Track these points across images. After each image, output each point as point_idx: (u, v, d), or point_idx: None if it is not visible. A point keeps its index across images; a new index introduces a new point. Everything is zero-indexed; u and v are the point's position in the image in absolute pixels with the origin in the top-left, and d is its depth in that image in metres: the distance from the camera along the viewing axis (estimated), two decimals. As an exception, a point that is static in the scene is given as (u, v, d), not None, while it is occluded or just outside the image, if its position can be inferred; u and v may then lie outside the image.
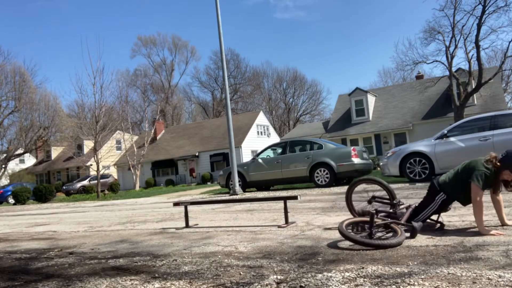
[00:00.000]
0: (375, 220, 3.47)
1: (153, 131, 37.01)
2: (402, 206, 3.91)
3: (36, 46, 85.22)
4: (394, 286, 2.17)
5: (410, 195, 6.71)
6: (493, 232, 3.27)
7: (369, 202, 4.04)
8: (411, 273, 2.38)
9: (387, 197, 4.16)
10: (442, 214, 3.83)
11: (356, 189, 4.59)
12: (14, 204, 22.73)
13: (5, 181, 37.25)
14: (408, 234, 3.44)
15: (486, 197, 3.59)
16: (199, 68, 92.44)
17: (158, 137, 37.32)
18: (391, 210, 3.87)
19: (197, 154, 31.80)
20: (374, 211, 3.51)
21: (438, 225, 3.84)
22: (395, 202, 3.92)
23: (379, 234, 3.50)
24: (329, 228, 4.27)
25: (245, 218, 5.82)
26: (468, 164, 3.55)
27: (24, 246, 4.95)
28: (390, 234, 3.44)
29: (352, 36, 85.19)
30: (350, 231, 3.50)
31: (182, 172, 32.86)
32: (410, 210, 3.73)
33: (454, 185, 3.61)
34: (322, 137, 26.55)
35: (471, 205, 3.47)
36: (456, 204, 4.04)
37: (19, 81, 34.72)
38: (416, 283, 2.19)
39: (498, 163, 3.39)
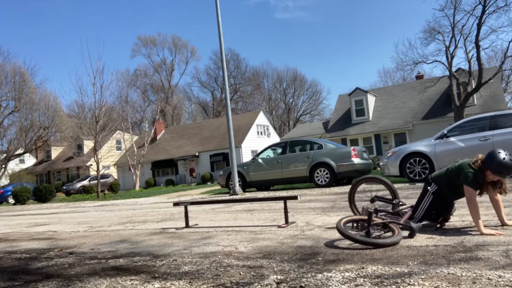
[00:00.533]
0: (374, 219, 3.47)
1: (153, 131, 37.00)
2: (403, 207, 3.91)
3: (36, 46, 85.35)
4: (394, 286, 2.17)
5: (410, 195, 6.70)
6: (492, 232, 3.27)
7: (372, 201, 4.06)
8: (411, 273, 2.38)
9: (390, 196, 4.17)
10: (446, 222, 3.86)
11: (359, 188, 4.59)
12: (14, 204, 22.73)
13: (5, 181, 37.25)
14: (406, 234, 3.45)
15: (486, 197, 3.60)
16: (199, 68, 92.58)
17: (158, 137, 37.32)
18: (391, 210, 3.88)
19: (197, 154, 31.80)
20: (373, 210, 3.52)
21: (438, 225, 3.84)
22: (394, 202, 3.93)
23: (377, 233, 3.50)
24: (329, 228, 4.27)
25: (245, 218, 5.82)
26: (459, 165, 3.59)
27: (24, 246, 4.95)
28: (389, 234, 3.44)
29: (352, 36, 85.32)
30: (349, 229, 3.51)
31: (182, 172, 32.86)
32: (410, 211, 3.74)
33: (444, 179, 3.68)
34: (322, 137, 26.55)
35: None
36: (456, 204, 4.04)
37: (19, 81, 34.72)
38: (416, 283, 2.19)
39: (481, 164, 3.44)
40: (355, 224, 3.58)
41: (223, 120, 33.29)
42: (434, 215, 3.78)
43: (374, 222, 3.46)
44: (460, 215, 4.29)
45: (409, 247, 3.09)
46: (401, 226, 3.52)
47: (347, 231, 3.32)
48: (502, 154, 3.30)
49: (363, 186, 4.73)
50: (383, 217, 3.72)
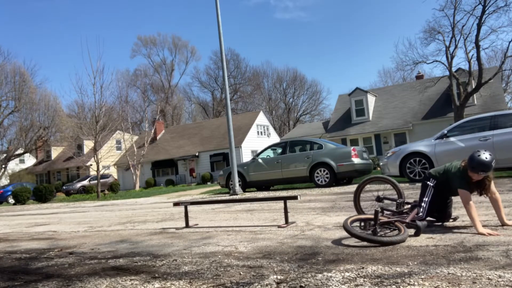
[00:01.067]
0: (381, 218, 3.50)
1: (153, 131, 37.00)
2: (408, 206, 3.94)
3: (36, 46, 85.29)
4: (394, 286, 2.17)
5: (410, 195, 6.70)
6: (491, 232, 3.28)
7: (377, 200, 4.09)
8: (411, 273, 2.38)
9: (395, 196, 4.20)
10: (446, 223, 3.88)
11: (364, 188, 4.60)
12: (14, 204, 22.73)
13: (5, 181, 37.24)
14: (412, 232, 3.48)
15: (487, 197, 3.61)
16: (199, 68, 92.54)
17: (158, 137, 37.31)
18: (395, 209, 3.91)
19: (197, 154, 31.80)
20: (379, 209, 3.55)
21: (440, 223, 3.87)
22: (399, 201, 3.96)
23: (383, 232, 3.53)
24: (329, 228, 4.27)
25: (245, 218, 5.82)
26: (452, 169, 3.67)
27: (24, 246, 4.95)
28: (395, 232, 3.47)
29: (352, 36, 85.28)
30: (356, 228, 3.52)
31: (182, 172, 32.85)
32: (415, 209, 3.76)
33: (441, 178, 3.74)
34: (322, 137, 26.55)
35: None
36: (455, 204, 4.05)
37: (19, 81, 34.71)
38: (416, 283, 2.19)
39: (465, 165, 3.53)
40: (362, 223, 3.60)
41: (223, 120, 33.28)
42: (437, 212, 3.82)
43: (381, 221, 3.49)
44: (460, 215, 4.29)
45: (409, 247, 3.09)
46: (406, 224, 3.54)
47: (355, 230, 3.36)
48: (479, 153, 3.42)
49: (370, 185, 4.73)
50: (389, 216, 3.75)
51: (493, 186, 3.54)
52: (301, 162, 11.83)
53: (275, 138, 34.92)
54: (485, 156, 3.38)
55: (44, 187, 22.74)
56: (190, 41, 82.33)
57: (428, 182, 3.80)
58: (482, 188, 3.52)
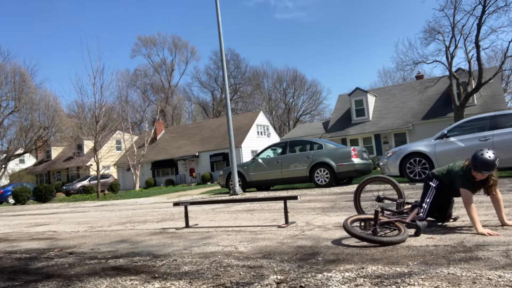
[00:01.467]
0: (381, 218, 3.50)
1: (153, 131, 37.00)
2: (408, 206, 3.94)
3: (36, 46, 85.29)
4: (394, 286, 2.17)
5: (410, 195, 6.70)
6: (490, 232, 3.28)
7: (377, 200, 4.09)
8: (411, 273, 2.38)
9: (396, 196, 4.20)
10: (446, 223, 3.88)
11: (365, 188, 4.60)
12: (14, 204, 22.72)
13: (5, 181, 37.25)
14: (412, 232, 3.48)
15: (487, 197, 3.61)
16: (199, 68, 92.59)
17: (158, 137, 37.32)
18: (396, 209, 3.91)
19: (197, 154, 31.80)
20: (380, 209, 3.55)
21: (440, 223, 3.87)
22: (399, 201, 3.96)
23: (383, 232, 3.53)
24: (329, 228, 4.27)
25: (245, 218, 5.82)
26: (456, 168, 3.67)
27: (24, 246, 4.95)
28: (395, 232, 3.47)
29: (352, 36, 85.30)
30: (356, 227, 3.53)
31: (182, 172, 32.85)
32: (415, 209, 3.77)
33: (445, 178, 3.73)
34: (322, 137, 26.55)
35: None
36: (455, 204, 4.05)
37: (19, 81, 34.75)
38: (416, 283, 2.19)
39: (468, 165, 3.52)
40: (362, 223, 3.60)
41: (223, 120, 33.29)
42: (437, 212, 3.82)
43: (381, 221, 3.48)
44: (460, 215, 4.29)
45: (409, 247, 3.09)
46: (406, 224, 3.54)
47: (355, 230, 3.35)
48: (482, 152, 3.41)
49: (370, 185, 4.73)
50: (389, 216, 3.75)
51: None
52: (301, 162, 11.83)
53: (275, 138, 34.92)
54: (488, 155, 3.36)
55: (44, 187, 22.73)
56: (190, 41, 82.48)
57: (430, 183, 3.78)
58: (486, 187, 3.50)
